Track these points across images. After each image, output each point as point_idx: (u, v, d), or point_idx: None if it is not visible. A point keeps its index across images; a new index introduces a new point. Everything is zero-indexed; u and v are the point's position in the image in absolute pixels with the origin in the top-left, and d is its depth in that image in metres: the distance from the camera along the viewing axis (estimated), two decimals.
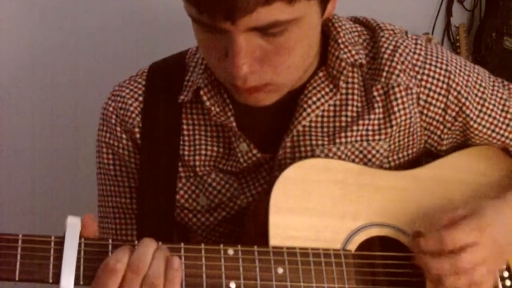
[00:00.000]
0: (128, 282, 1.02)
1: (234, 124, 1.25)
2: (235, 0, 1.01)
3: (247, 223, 1.23)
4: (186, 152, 1.29)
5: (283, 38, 1.08)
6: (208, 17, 1.05)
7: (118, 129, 1.30)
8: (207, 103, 1.25)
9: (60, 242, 1.05)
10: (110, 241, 1.07)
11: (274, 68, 1.12)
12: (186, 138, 1.29)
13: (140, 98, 1.30)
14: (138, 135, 1.29)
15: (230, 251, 1.10)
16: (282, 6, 1.04)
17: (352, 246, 1.15)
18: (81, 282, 1.05)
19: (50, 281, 1.04)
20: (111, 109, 1.31)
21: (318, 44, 1.22)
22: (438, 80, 1.26)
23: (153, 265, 1.03)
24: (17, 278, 1.03)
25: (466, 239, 1.11)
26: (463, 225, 1.12)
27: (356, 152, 1.25)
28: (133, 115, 1.29)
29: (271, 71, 1.12)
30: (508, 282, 1.22)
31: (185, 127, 1.29)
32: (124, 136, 1.30)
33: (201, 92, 1.25)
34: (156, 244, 1.06)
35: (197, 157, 1.29)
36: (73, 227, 1.06)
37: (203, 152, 1.29)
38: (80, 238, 1.06)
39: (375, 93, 1.25)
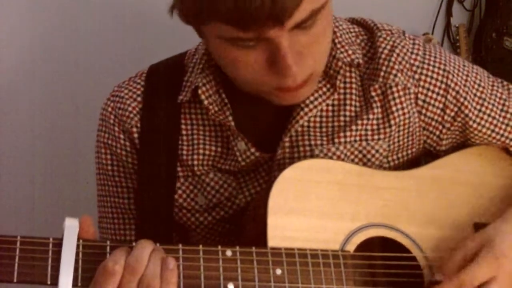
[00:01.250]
0: (125, 283, 1.02)
1: (232, 123, 1.25)
2: (281, 4, 1.02)
3: (245, 224, 1.23)
4: (184, 152, 1.29)
5: (315, 27, 1.10)
6: (254, 31, 1.06)
7: (116, 129, 1.30)
8: (205, 102, 1.25)
9: (58, 244, 1.05)
10: (108, 242, 1.07)
11: (313, 57, 1.14)
12: (184, 138, 1.29)
13: (139, 99, 1.31)
14: (136, 135, 1.29)
15: (228, 252, 1.10)
16: None
17: (351, 247, 1.15)
18: (79, 284, 1.05)
19: (49, 282, 1.04)
20: (109, 109, 1.32)
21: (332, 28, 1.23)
22: (436, 80, 1.26)
23: (149, 266, 1.03)
24: (15, 280, 1.03)
25: (484, 277, 1.11)
26: (479, 263, 1.12)
27: (356, 152, 1.25)
28: (132, 115, 1.30)
29: (311, 60, 1.14)
30: None
31: (183, 127, 1.29)
32: (122, 136, 1.30)
33: (199, 91, 1.25)
34: (153, 245, 1.06)
35: (195, 157, 1.29)
36: (71, 228, 1.06)
37: (201, 151, 1.29)
38: (78, 240, 1.06)
39: (373, 93, 1.25)
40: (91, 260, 1.05)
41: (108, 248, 1.06)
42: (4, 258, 1.03)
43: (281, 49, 1.08)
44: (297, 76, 1.12)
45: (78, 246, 1.05)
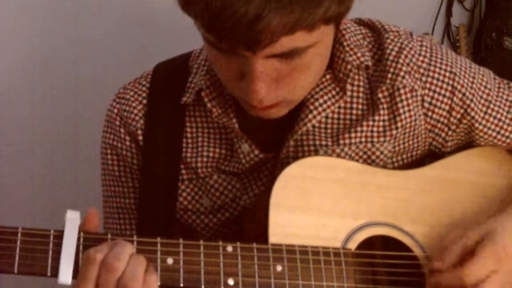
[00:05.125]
0: (102, 280, 1.01)
1: (236, 125, 1.24)
2: (259, 34, 1.00)
3: (246, 221, 1.22)
4: (188, 154, 1.29)
5: (299, 59, 1.09)
6: (228, 45, 1.05)
7: (122, 131, 1.30)
8: (209, 105, 1.25)
9: (59, 236, 1.05)
10: (109, 235, 1.07)
11: (289, 87, 1.12)
12: (189, 140, 1.29)
13: (144, 101, 1.30)
14: (141, 137, 1.29)
15: (229, 248, 1.10)
16: (303, 34, 1.04)
17: (352, 245, 1.15)
18: None
19: (49, 274, 1.04)
20: (115, 111, 1.31)
21: (328, 58, 1.21)
22: (443, 82, 1.25)
23: (129, 267, 1.02)
24: (16, 271, 1.03)
25: (485, 270, 1.11)
26: (480, 256, 1.12)
27: (360, 153, 1.25)
28: (137, 118, 1.29)
29: (286, 90, 1.12)
30: None
31: (188, 129, 1.29)
32: (127, 138, 1.30)
33: (203, 94, 1.25)
34: (133, 248, 1.05)
35: (199, 159, 1.29)
36: (72, 221, 1.06)
37: (205, 153, 1.28)
38: (79, 232, 1.06)
39: (380, 95, 1.25)
40: None
41: (108, 241, 1.06)
42: (5, 249, 1.03)
43: (252, 72, 1.07)
44: (264, 100, 1.11)
45: (79, 238, 1.05)
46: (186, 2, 1.06)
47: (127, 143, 1.30)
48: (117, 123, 1.31)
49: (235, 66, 1.10)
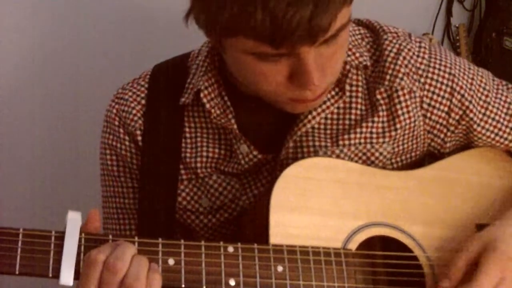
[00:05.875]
0: (105, 282, 1.01)
1: (235, 126, 1.24)
2: (317, 24, 1.02)
3: (246, 222, 1.23)
4: (188, 155, 1.29)
5: (339, 39, 1.10)
6: (286, 48, 1.05)
7: (121, 131, 1.30)
8: (207, 106, 1.25)
9: (61, 237, 1.05)
10: (110, 236, 1.07)
11: (333, 68, 1.14)
12: (188, 140, 1.29)
13: (143, 102, 1.31)
14: (140, 138, 1.29)
15: (230, 248, 1.10)
16: (345, 10, 1.06)
17: (353, 245, 1.15)
18: None
19: (50, 275, 1.04)
20: (114, 111, 1.31)
21: None
22: (442, 83, 1.26)
23: (132, 267, 1.02)
24: (17, 272, 1.03)
25: (493, 281, 1.11)
26: (485, 268, 1.11)
27: (360, 154, 1.25)
28: (135, 118, 1.29)
29: (331, 72, 1.14)
30: None
31: (187, 129, 1.29)
32: (127, 138, 1.30)
33: (201, 95, 1.25)
34: (135, 249, 1.05)
35: (198, 159, 1.29)
36: (73, 222, 1.06)
37: (204, 154, 1.29)
38: (80, 233, 1.06)
39: (379, 96, 1.25)
40: None
41: (110, 242, 1.06)
42: (6, 250, 1.03)
43: (307, 64, 1.07)
44: (317, 89, 1.12)
45: (80, 239, 1.06)
46: (237, 19, 1.03)
47: (127, 143, 1.30)
48: (116, 123, 1.31)
49: (285, 68, 1.10)
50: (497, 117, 1.29)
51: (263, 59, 1.08)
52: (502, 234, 1.16)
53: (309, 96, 1.13)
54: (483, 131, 1.29)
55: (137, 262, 1.03)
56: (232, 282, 1.08)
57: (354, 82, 1.27)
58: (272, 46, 1.04)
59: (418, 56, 1.26)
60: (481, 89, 1.28)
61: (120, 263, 1.01)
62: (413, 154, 1.29)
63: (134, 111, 1.30)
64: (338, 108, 1.26)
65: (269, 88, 1.13)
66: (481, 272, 1.11)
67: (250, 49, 1.07)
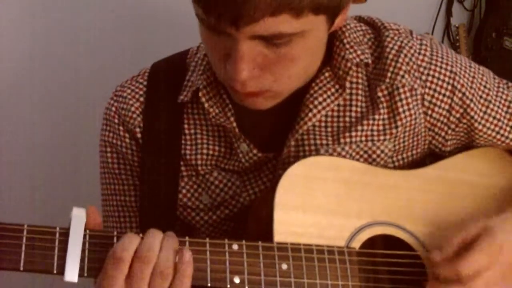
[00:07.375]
0: (136, 272, 1.02)
1: (234, 124, 1.24)
2: (242, 8, 1.01)
3: (250, 220, 1.23)
4: (188, 152, 1.29)
5: (286, 48, 1.09)
6: (214, 19, 1.05)
7: (121, 128, 1.30)
8: (206, 105, 1.25)
9: (65, 233, 1.05)
10: (115, 233, 1.07)
11: (275, 77, 1.13)
12: (188, 137, 1.29)
13: (141, 99, 1.31)
14: (139, 135, 1.29)
15: (235, 246, 1.10)
16: (289, 18, 1.04)
17: (356, 244, 1.16)
18: (85, 274, 1.05)
19: (55, 271, 1.04)
20: (113, 109, 1.31)
21: (323, 54, 1.21)
22: (443, 81, 1.26)
23: (162, 255, 1.03)
24: (21, 268, 1.03)
25: (480, 264, 1.11)
26: (477, 250, 1.12)
27: (361, 152, 1.25)
28: (134, 116, 1.29)
29: (271, 79, 1.13)
30: None
31: (186, 126, 1.29)
32: (127, 135, 1.30)
33: (200, 94, 1.25)
34: (162, 234, 1.06)
35: (198, 156, 1.29)
36: (78, 218, 1.06)
37: (204, 151, 1.29)
38: (85, 230, 1.06)
39: (380, 94, 1.25)
40: (97, 250, 1.05)
41: (115, 238, 1.07)
42: (11, 246, 1.03)
43: (236, 51, 1.08)
44: (246, 84, 1.12)
45: (85, 236, 1.05)
46: None
47: (127, 140, 1.30)
48: (116, 121, 1.31)
49: (222, 46, 1.10)
50: (498, 116, 1.29)
51: (209, 29, 1.09)
52: (502, 224, 1.16)
53: (238, 87, 1.12)
54: (484, 129, 1.29)
55: (166, 248, 1.04)
56: (237, 280, 1.08)
57: (355, 80, 1.26)
58: (203, 10, 1.05)
59: (419, 53, 1.26)
60: (482, 88, 1.29)
61: (152, 252, 1.02)
62: (414, 152, 1.30)
63: (133, 109, 1.30)
64: (338, 105, 1.26)
65: (213, 64, 1.16)
66: (473, 249, 1.11)
67: (196, 12, 1.09)
